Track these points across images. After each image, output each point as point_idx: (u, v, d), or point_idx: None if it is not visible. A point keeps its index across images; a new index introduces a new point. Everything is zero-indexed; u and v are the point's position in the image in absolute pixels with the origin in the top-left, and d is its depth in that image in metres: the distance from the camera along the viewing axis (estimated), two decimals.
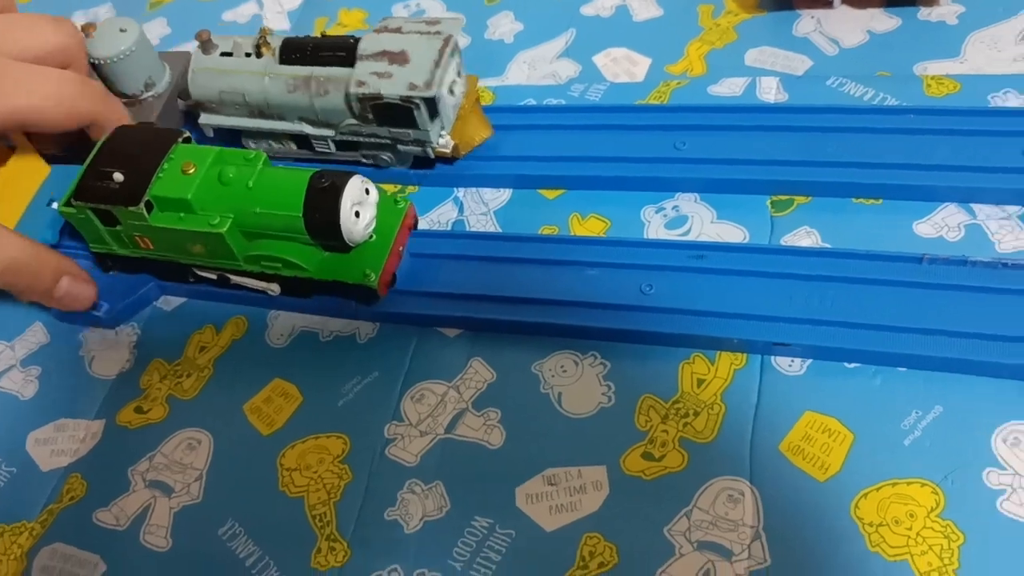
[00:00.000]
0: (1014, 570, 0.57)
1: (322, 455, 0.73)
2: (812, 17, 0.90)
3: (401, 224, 0.75)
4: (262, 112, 0.83)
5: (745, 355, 0.70)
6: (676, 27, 0.94)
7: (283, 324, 0.82)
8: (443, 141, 0.79)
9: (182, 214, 0.73)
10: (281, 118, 0.83)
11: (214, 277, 0.79)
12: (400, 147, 0.81)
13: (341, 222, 0.68)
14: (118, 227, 0.76)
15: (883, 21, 0.88)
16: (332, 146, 0.83)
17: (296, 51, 0.79)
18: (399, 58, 0.75)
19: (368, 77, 0.75)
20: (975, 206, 0.74)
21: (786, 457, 0.65)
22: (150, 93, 0.90)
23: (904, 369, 0.66)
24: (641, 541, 0.63)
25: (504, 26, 0.99)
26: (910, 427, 0.64)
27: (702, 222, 0.78)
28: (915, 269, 0.70)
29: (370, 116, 0.78)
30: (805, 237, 0.75)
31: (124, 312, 0.86)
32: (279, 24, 1.09)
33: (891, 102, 0.81)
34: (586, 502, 0.65)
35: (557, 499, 0.67)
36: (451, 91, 0.77)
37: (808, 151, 0.79)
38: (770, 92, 0.85)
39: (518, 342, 0.75)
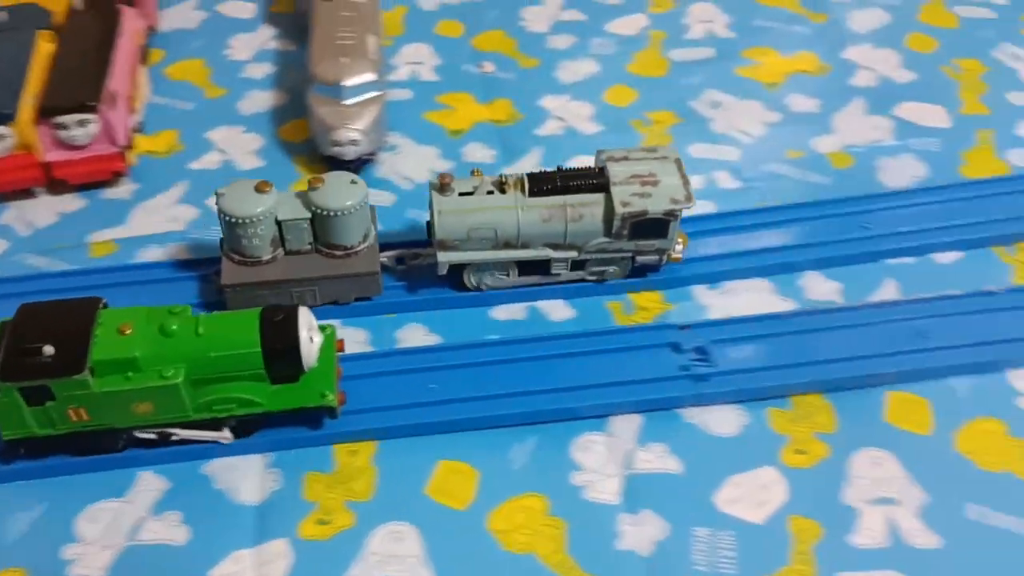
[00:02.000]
0: None
1: (528, 512, 0.76)
2: (15, 208, 1.05)
3: (335, 348, 0.81)
4: (507, 243, 0.88)
5: None
6: None
7: None
8: (679, 247, 0.91)
9: (129, 374, 0.72)
10: (526, 247, 0.88)
11: (154, 437, 0.78)
12: (639, 258, 0.90)
13: (301, 348, 0.74)
14: (48, 404, 0.73)
15: (72, 203, 1.05)
16: (568, 266, 0.90)
17: (546, 183, 0.87)
18: (650, 180, 0.87)
19: (630, 198, 0.85)
20: None
21: None
22: (365, 244, 0.88)
23: None
24: None
25: None
26: None
27: None
28: None
29: (625, 232, 0.87)
30: None
31: None
32: None
33: (64, 266, 0.96)
34: None
35: None
36: None
37: None
38: None
39: None
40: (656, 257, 0.90)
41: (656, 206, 0.86)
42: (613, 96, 1.17)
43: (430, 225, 0.88)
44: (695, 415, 0.82)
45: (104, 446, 0.78)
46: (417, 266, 0.93)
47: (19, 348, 0.72)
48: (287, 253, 0.88)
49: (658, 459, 0.79)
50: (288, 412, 0.78)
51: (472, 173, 0.89)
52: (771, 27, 1.26)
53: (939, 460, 0.79)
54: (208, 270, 0.93)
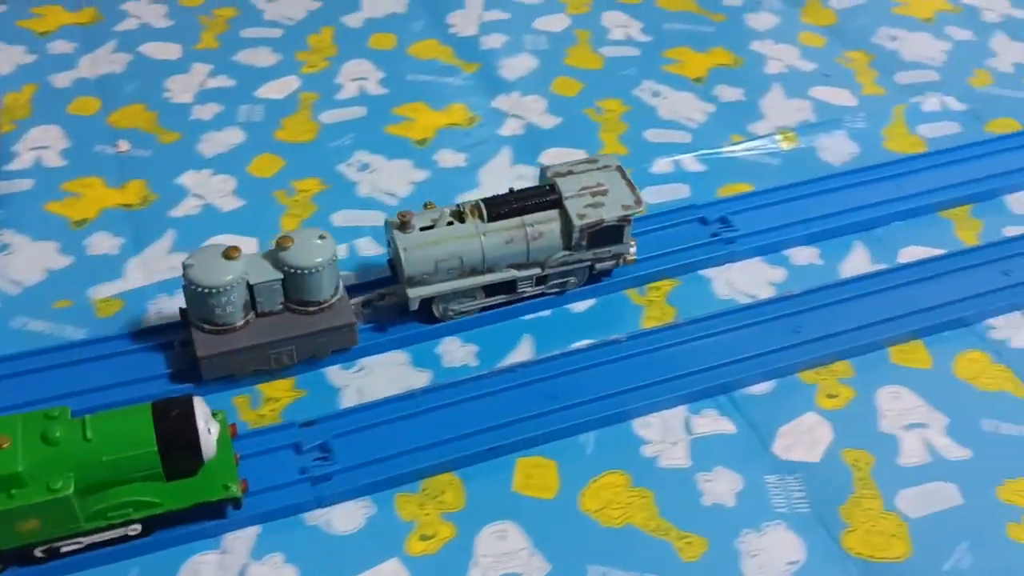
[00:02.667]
0: None
1: None
2: None
3: (229, 434, 0.77)
4: (474, 270, 0.89)
5: None
6: None
7: None
8: (633, 249, 0.95)
9: (12, 491, 0.67)
10: (491, 271, 0.90)
11: (41, 555, 0.72)
12: (597, 265, 0.94)
13: (201, 442, 0.71)
14: None
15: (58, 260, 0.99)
16: (533, 283, 0.93)
17: (503, 207, 0.90)
18: (599, 190, 0.91)
19: (584, 210, 0.89)
20: None
21: None
22: (336, 297, 0.88)
23: None
24: None
25: None
26: None
27: None
28: None
29: (584, 243, 0.91)
30: None
31: None
32: None
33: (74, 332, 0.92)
34: None
35: None
36: None
37: None
38: None
39: None
40: (613, 262, 0.95)
41: (610, 214, 0.90)
42: (258, 167, 1.11)
43: (393, 264, 0.91)
44: (318, 516, 0.78)
45: None
46: (384, 307, 0.93)
47: None
48: (259, 316, 0.87)
49: (274, 571, 0.74)
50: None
51: (424, 206, 0.91)
52: (425, 80, 1.25)
53: (563, 524, 0.78)
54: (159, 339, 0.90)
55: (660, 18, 1.38)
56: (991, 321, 0.94)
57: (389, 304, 0.93)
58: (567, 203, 0.90)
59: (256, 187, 1.09)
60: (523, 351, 0.91)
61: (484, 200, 0.90)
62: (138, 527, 0.73)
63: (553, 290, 0.95)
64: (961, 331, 0.93)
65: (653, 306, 0.96)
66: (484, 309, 0.93)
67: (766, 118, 1.20)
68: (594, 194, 0.91)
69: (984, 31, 1.37)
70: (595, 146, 1.15)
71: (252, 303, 0.86)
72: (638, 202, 0.91)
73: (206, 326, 0.85)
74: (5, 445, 0.68)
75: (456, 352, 0.91)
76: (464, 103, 1.21)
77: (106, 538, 0.73)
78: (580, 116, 1.19)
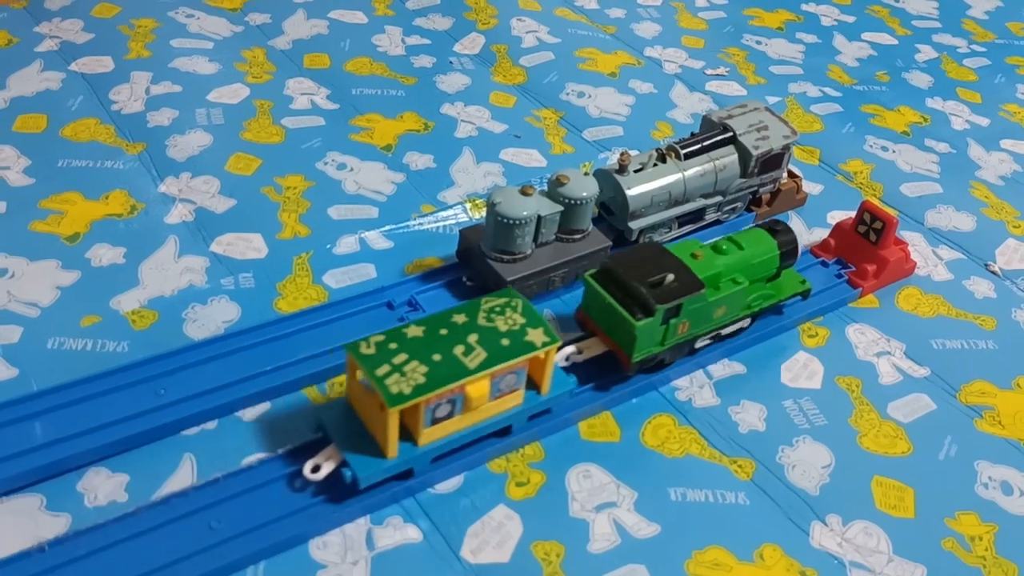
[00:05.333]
0: None
1: None
2: None
3: None
4: (676, 201, 1.06)
5: None
6: None
7: None
8: (785, 175, 1.15)
9: (718, 285, 0.90)
10: (687, 201, 1.07)
11: (708, 342, 0.94)
12: (761, 189, 1.14)
13: (798, 248, 0.97)
14: (671, 322, 0.87)
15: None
16: (715, 209, 1.10)
17: (694, 147, 1.07)
18: (761, 127, 1.10)
19: (757, 143, 1.08)
20: None
21: None
22: (590, 227, 1.01)
23: None
24: None
25: None
26: None
27: None
28: None
29: (756, 170, 1.09)
30: None
31: None
32: None
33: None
34: None
35: None
36: None
37: None
38: None
39: None
40: (771, 186, 1.14)
41: (776, 143, 1.09)
42: None
43: (606, 204, 1.06)
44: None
45: (673, 358, 0.92)
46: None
47: (649, 283, 0.85)
48: (537, 245, 0.98)
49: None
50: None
51: (621, 155, 1.03)
52: (80, 166, 1.11)
53: None
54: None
55: (349, 83, 1.32)
56: (677, 382, 0.94)
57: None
58: (742, 138, 1.08)
59: None
60: (182, 476, 0.81)
61: (678, 143, 1.07)
62: (748, 321, 0.95)
63: (725, 216, 1.12)
64: (649, 395, 0.93)
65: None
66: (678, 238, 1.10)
67: (457, 185, 1.17)
68: (759, 129, 1.10)
69: (665, 83, 1.42)
70: (272, 228, 1.06)
71: (534, 235, 0.97)
72: (794, 132, 1.11)
73: (504, 256, 0.96)
74: (700, 256, 0.90)
75: (105, 486, 0.79)
76: (125, 189, 1.09)
77: (736, 327, 0.95)
78: (257, 196, 1.10)
